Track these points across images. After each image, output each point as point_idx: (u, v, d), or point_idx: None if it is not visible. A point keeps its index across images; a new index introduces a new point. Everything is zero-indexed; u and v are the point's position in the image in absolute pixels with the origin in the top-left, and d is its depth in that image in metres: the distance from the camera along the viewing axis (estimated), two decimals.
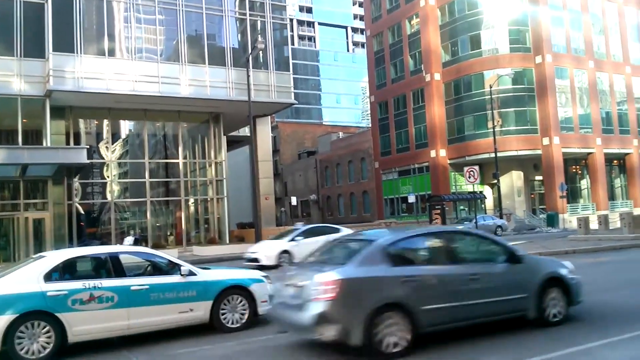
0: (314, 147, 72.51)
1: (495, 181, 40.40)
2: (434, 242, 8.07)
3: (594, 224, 30.74)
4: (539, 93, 43.26)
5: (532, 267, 8.12)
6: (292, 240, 20.50)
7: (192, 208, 34.36)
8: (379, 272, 6.89)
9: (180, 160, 32.91)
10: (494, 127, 39.09)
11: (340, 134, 70.89)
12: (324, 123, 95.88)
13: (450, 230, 10.19)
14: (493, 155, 38.76)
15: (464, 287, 7.31)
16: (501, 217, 38.24)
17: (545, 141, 42.74)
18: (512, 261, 7.90)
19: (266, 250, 20.32)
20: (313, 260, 8.00)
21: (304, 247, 19.36)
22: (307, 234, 21.07)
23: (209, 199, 33.86)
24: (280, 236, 22.14)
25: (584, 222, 27.23)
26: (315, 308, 6.57)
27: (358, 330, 6.51)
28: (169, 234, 33.34)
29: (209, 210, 34.01)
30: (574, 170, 47.14)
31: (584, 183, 47.70)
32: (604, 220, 29.66)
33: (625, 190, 49.80)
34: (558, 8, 44.90)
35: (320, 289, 6.58)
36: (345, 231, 21.40)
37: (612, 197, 48.06)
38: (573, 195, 45.82)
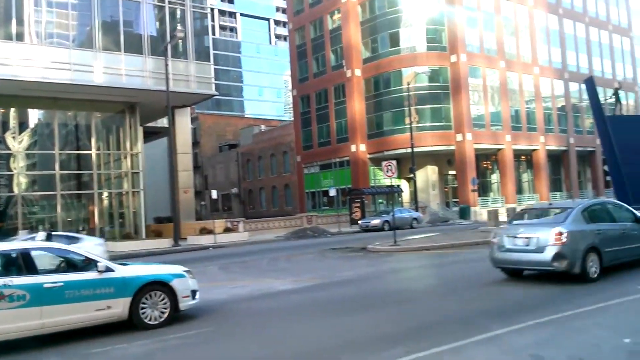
0: (236, 139, 71.72)
1: (412, 175, 41.74)
2: (602, 208, 12.08)
3: (503, 217, 32.44)
4: (454, 91, 44.92)
5: None
6: None
7: (106, 202, 33.11)
8: (584, 227, 10.81)
9: (94, 152, 31.58)
10: (410, 123, 40.30)
11: (263, 127, 70.47)
12: (245, 115, 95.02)
13: (608, 201, 14.45)
14: (410, 150, 40.00)
15: (619, 237, 11.35)
16: (417, 210, 39.56)
17: (459, 137, 44.49)
18: (638, 222, 11.89)
19: None
20: (525, 222, 12.03)
21: None
22: None
23: (124, 193, 32.76)
24: None
25: (493, 214, 28.76)
26: (553, 250, 10.37)
27: (578, 264, 10.37)
28: (81, 229, 31.90)
29: (124, 204, 32.90)
30: (485, 165, 49.45)
31: (494, 177, 50.18)
32: (512, 213, 31.32)
33: (532, 185, 52.86)
34: (472, 9, 46.75)
35: (555, 237, 10.38)
36: (89, 239, 18.71)
37: (519, 190, 50.83)
38: (484, 189, 48.09)
